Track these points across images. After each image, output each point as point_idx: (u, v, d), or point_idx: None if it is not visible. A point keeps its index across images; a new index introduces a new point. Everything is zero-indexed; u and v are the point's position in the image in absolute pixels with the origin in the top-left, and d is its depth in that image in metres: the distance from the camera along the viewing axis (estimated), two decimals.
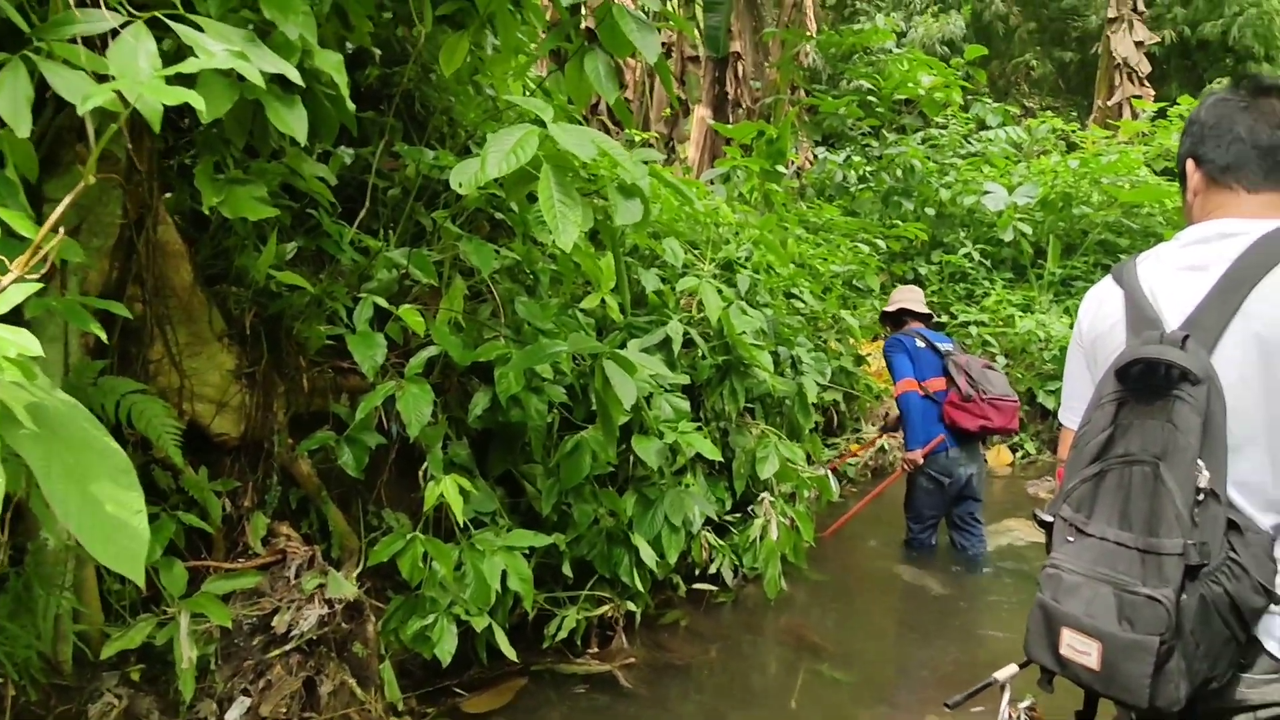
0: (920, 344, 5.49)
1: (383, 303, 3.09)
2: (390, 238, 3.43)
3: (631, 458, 3.95)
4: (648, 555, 3.88)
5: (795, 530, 4.61)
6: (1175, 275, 1.67)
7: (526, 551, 3.38)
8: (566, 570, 3.79)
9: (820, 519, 5.62)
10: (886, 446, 7.75)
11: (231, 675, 2.83)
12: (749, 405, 4.97)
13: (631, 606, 4.02)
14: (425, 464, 3.26)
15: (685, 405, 4.22)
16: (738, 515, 4.72)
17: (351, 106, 2.52)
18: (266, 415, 3.09)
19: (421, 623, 3.13)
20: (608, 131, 8.96)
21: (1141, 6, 15.32)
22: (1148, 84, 15.08)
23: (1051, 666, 1.62)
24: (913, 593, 5.19)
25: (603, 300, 3.88)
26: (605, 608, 3.97)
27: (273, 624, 2.90)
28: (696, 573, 4.50)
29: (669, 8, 11.84)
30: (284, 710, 2.84)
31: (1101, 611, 1.52)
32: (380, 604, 3.27)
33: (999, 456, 8.53)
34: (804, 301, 6.28)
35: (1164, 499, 1.49)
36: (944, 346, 5.53)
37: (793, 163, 10.83)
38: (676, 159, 11.34)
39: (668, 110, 11.62)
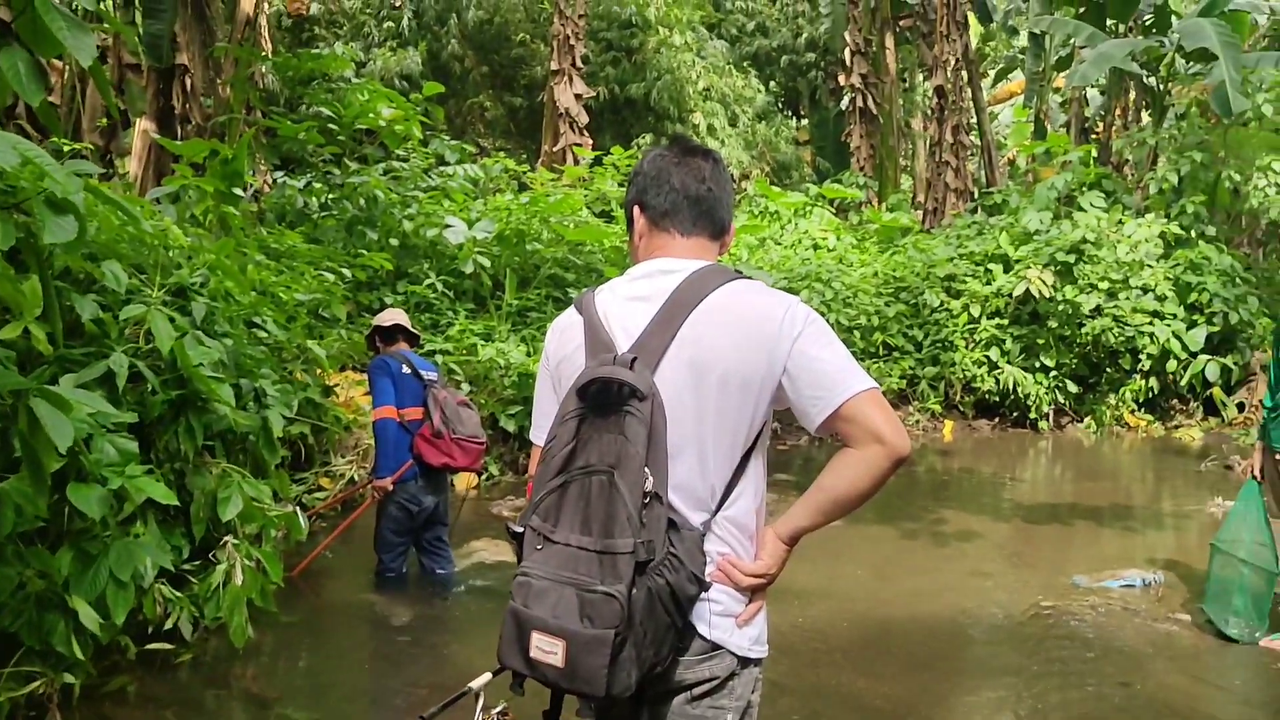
0: (406, 369, 5.50)
1: None
2: None
3: (67, 509, 3.48)
4: (89, 618, 3.43)
5: (262, 572, 4.37)
6: (625, 305, 1.87)
7: None
8: None
9: (289, 558, 5.39)
10: (356, 478, 7.66)
11: None
12: (208, 443, 4.61)
13: (69, 678, 3.52)
14: None
15: (133, 446, 3.80)
16: (197, 563, 4.35)
17: None
18: None
19: None
20: (28, 138, 7.81)
21: (580, 63, 16.95)
22: (586, 133, 16.74)
23: (522, 669, 1.71)
24: (384, 622, 5.17)
25: (26, 330, 3.37)
26: (36, 684, 3.45)
27: None
28: (150, 631, 4.06)
29: (103, 8, 10.73)
30: None
31: (566, 612, 1.64)
32: None
33: (464, 479, 8.82)
34: (267, 331, 5.98)
35: (617, 504, 1.64)
36: (428, 375, 5.57)
37: (251, 185, 10.32)
38: (116, 174, 10.24)
39: (104, 120, 10.45)
